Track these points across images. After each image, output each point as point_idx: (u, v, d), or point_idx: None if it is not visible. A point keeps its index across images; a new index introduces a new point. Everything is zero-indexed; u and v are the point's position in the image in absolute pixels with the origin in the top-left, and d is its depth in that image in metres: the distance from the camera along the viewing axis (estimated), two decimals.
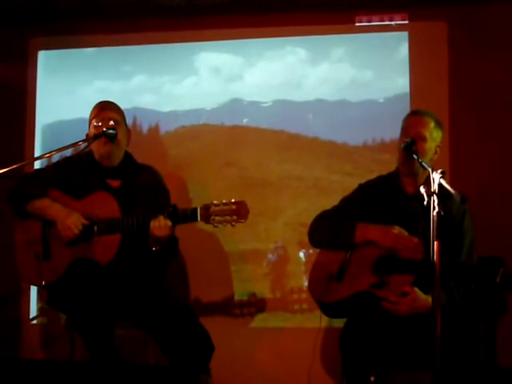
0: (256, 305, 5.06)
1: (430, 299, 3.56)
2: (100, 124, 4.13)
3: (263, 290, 5.07)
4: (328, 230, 4.05)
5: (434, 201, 3.24)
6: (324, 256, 4.08)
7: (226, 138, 5.26)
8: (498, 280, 3.45)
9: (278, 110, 5.21)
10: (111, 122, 4.14)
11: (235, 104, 5.26)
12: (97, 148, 4.16)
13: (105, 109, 4.23)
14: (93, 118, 4.20)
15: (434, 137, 3.97)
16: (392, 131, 4.19)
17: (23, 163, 4.14)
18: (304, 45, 5.20)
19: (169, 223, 3.87)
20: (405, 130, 4.00)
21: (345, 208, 4.13)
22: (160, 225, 3.85)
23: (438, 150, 4.02)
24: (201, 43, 5.28)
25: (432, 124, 3.97)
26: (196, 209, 3.81)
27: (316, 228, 4.14)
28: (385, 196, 4.05)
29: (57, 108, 5.39)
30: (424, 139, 3.92)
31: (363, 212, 4.03)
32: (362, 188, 4.18)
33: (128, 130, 4.32)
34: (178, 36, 5.30)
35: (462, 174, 4.80)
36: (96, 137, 4.07)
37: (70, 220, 3.96)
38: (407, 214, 3.93)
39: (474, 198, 3.90)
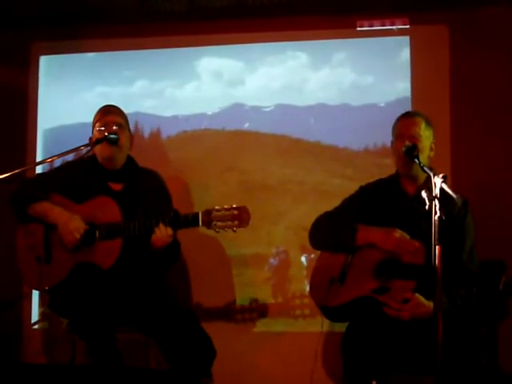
0: (258, 310, 5.05)
1: (431, 305, 3.56)
2: (103, 128, 4.15)
3: (265, 294, 5.06)
4: (329, 232, 4.07)
5: (435, 205, 3.25)
6: (324, 260, 4.09)
7: (228, 142, 5.25)
8: (500, 288, 3.45)
9: (280, 114, 5.20)
10: (114, 126, 4.16)
11: (236, 108, 5.25)
12: (100, 151, 4.19)
13: (108, 113, 4.25)
14: (96, 122, 4.22)
15: (427, 135, 4.01)
16: None
17: (25, 168, 4.16)
18: (305, 49, 5.19)
19: (170, 231, 3.88)
20: (398, 133, 4.04)
21: (346, 209, 4.15)
22: (162, 233, 3.86)
23: (433, 146, 4.06)
24: (202, 48, 5.27)
25: (423, 123, 4.01)
26: (197, 214, 3.82)
27: (317, 229, 4.15)
28: (386, 197, 4.07)
29: (58, 113, 5.38)
30: (418, 139, 3.95)
31: (364, 213, 4.05)
32: (363, 190, 4.20)
33: (131, 135, 4.34)
34: (179, 41, 5.30)
35: (464, 176, 4.80)
36: (98, 141, 4.09)
37: (72, 224, 3.97)
38: (408, 215, 3.95)
39: (474, 200, 3.94)
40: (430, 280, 3.29)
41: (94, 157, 4.24)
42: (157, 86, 5.34)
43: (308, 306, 4.92)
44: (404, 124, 4.04)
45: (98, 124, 4.20)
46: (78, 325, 3.94)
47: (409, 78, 5.06)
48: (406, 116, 4.10)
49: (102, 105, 4.35)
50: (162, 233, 3.88)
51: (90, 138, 4.22)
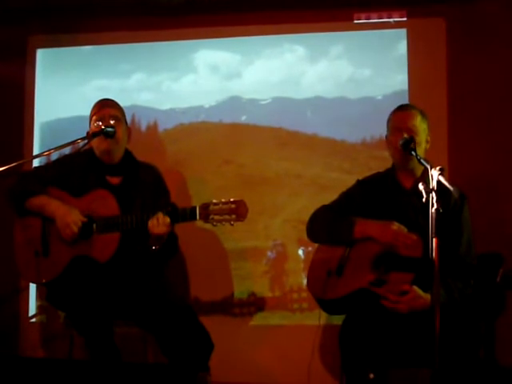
0: (255, 304, 5.06)
1: (429, 297, 3.57)
2: (100, 122, 4.15)
3: (262, 288, 5.07)
4: (327, 225, 4.07)
5: (432, 198, 3.25)
6: (322, 253, 4.09)
7: (225, 135, 5.25)
8: (498, 280, 3.45)
9: (277, 107, 5.20)
10: (111, 120, 4.16)
11: (234, 101, 5.25)
12: (97, 145, 4.18)
13: (105, 106, 4.24)
14: (93, 116, 4.22)
15: (423, 128, 4.01)
16: None
17: (22, 161, 4.15)
18: (302, 42, 5.19)
19: (167, 220, 3.87)
20: (394, 127, 4.03)
21: (344, 203, 4.15)
22: (159, 222, 3.86)
23: (428, 139, 4.06)
24: (199, 41, 5.27)
25: (419, 116, 4.01)
26: (195, 208, 3.82)
27: (315, 222, 4.16)
28: (382, 191, 4.07)
29: (55, 106, 5.38)
30: (415, 132, 3.95)
31: (362, 207, 4.05)
32: (360, 183, 4.20)
33: (128, 128, 4.33)
34: (176, 34, 5.29)
35: (461, 170, 4.81)
36: (94, 135, 4.09)
37: (70, 218, 3.97)
38: (405, 208, 3.95)
39: (472, 193, 3.95)
40: (427, 272, 3.29)
41: (91, 150, 4.24)
42: (154, 79, 5.33)
43: (306, 299, 4.93)
44: (401, 117, 4.03)
45: (94, 118, 4.20)
46: (75, 318, 3.94)
47: (406, 71, 5.06)
48: (402, 109, 4.09)
49: (99, 98, 4.35)
50: (159, 220, 3.87)
51: (87, 132, 4.22)
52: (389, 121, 4.09)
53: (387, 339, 3.70)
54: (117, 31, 5.35)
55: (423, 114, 4.04)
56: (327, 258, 4.01)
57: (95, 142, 4.17)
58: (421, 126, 3.99)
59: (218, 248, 5.10)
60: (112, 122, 4.14)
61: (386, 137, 4.11)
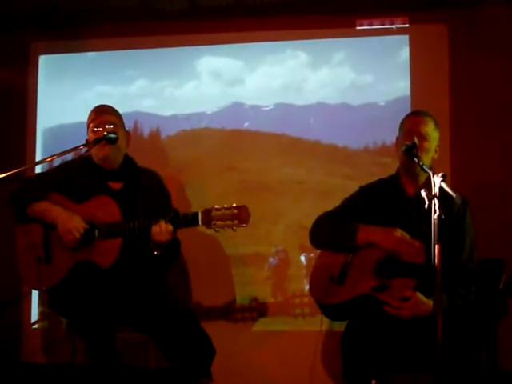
0: (257, 309, 5.05)
1: (431, 303, 3.57)
2: (99, 128, 4.14)
3: (264, 293, 5.07)
4: (330, 231, 4.06)
5: (434, 204, 3.25)
6: (325, 258, 4.09)
7: (227, 141, 5.26)
8: (501, 286, 3.45)
9: (279, 113, 5.20)
10: (109, 126, 4.15)
11: (236, 108, 5.26)
12: (96, 152, 4.16)
13: (102, 113, 4.23)
14: (90, 123, 4.21)
15: (434, 136, 4.01)
16: (393, 134, 4.20)
17: (24, 167, 4.15)
18: (305, 48, 5.20)
19: (170, 228, 3.88)
20: (406, 130, 4.02)
21: (346, 209, 4.15)
22: (161, 230, 3.86)
23: (437, 149, 4.06)
24: (202, 47, 5.28)
25: (432, 124, 4.01)
26: (197, 213, 3.82)
27: (318, 228, 4.15)
28: (385, 197, 4.07)
29: (58, 112, 5.39)
30: (426, 138, 3.95)
31: (364, 213, 4.05)
32: (362, 190, 4.20)
33: (127, 133, 4.33)
34: (179, 40, 5.29)
35: (463, 176, 4.81)
36: (97, 141, 4.07)
37: (72, 224, 3.97)
38: (408, 215, 3.95)
39: (474, 199, 3.95)
40: (429, 279, 3.29)
41: (89, 157, 4.23)
42: (156, 86, 5.34)
43: (308, 304, 4.93)
44: (414, 121, 4.02)
45: (92, 124, 4.19)
46: (77, 324, 3.94)
47: (408, 77, 5.06)
48: (417, 114, 4.09)
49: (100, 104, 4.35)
50: (162, 228, 3.87)
51: (86, 140, 4.20)
52: (401, 125, 4.09)
53: (389, 345, 3.70)
54: (119, 37, 5.36)
55: (436, 123, 4.04)
56: (330, 263, 4.01)
57: (94, 149, 4.13)
58: (433, 133, 3.99)
59: (220, 253, 5.10)
60: (110, 128, 4.13)
61: (397, 139, 4.11)
